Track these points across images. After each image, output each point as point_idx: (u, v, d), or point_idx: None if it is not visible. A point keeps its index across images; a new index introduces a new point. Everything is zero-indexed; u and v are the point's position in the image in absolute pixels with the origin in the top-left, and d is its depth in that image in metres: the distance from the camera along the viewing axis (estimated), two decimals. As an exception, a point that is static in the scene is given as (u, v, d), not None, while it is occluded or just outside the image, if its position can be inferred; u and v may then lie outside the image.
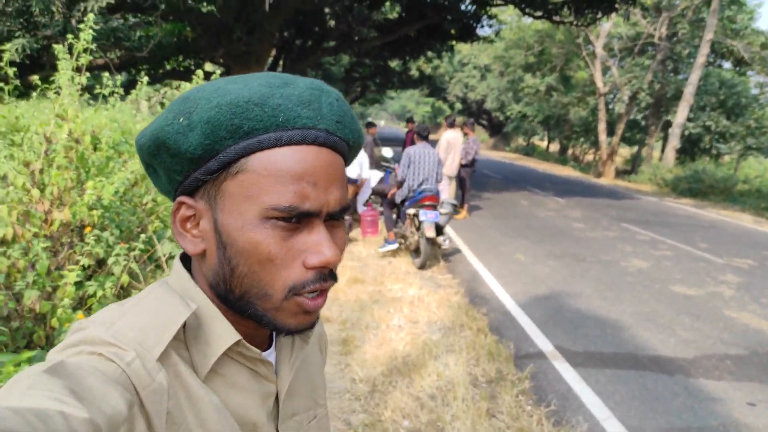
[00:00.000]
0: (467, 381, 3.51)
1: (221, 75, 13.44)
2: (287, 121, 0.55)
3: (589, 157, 31.56)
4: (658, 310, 5.16)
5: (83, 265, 3.59)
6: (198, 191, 0.58)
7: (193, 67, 14.96)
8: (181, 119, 0.55)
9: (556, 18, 14.87)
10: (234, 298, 0.58)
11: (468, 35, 15.75)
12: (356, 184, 8.27)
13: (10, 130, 4.95)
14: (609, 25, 22.51)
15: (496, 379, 3.62)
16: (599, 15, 14.31)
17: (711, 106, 20.74)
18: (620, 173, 23.76)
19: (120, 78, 5.03)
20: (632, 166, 24.99)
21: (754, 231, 10.61)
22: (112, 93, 5.17)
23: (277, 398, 0.66)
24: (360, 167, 8.05)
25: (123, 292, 3.81)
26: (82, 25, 4.14)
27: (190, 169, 0.57)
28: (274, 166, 0.54)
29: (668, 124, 22.13)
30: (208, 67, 17.14)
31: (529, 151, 36.83)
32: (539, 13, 14.32)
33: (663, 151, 21.66)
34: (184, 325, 0.57)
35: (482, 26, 15.94)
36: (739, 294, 5.89)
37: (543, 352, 4.11)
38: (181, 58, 14.19)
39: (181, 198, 0.59)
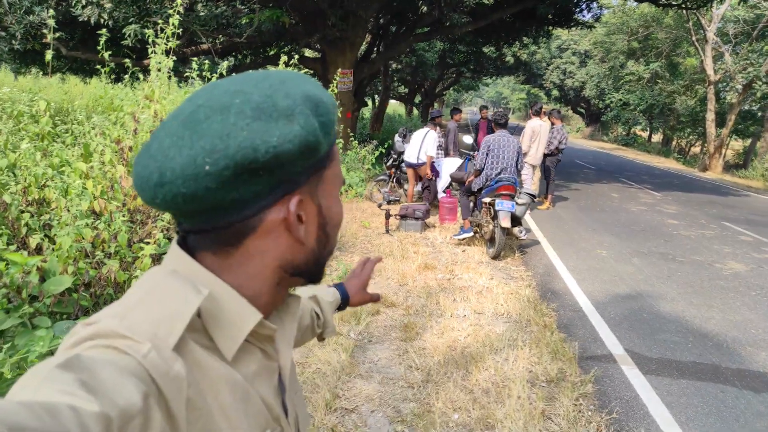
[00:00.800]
0: (525, 379, 3.38)
1: (317, 60, 13.72)
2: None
3: (696, 149, 29.46)
4: (752, 320, 4.72)
5: (167, 239, 3.79)
6: (300, 187, 0.60)
7: (293, 53, 15.38)
8: (311, 118, 0.57)
9: (664, 1, 13.89)
10: (319, 266, 0.67)
11: (566, 20, 15.06)
12: (414, 167, 8.26)
13: (105, 110, 5.31)
14: (725, 8, 20.72)
15: (557, 379, 3.46)
16: (711, -3, 13.21)
17: (841, 97, 18.65)
18: (729, 168, 22.00)
19: (225, 63, 5.22)
20: (744, 161, 23.05)
21: None
22: (201, 77, 5.40)
23: (280, 374, 0.69)
24: (418, 151, 8.03)
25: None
26: (171, 11, 4.33)
27: (313, 167, 0.61)
28: (335, 150, 0.66)
29: (788, 116, 20.15)
30: (308, 53, 17.54)
31: (629, 141, 34.90)
32: (646, -4, 13.43)
33: (780, 145, 19.78)
34: (198, 313, 0.58)
35: (581, 10, 15.18)
36: None
37: (612, 355, 3.88)
38: (281, 44, 14.58)
39: (298, 195, 0.60)
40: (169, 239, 3.82)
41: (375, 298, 1.21)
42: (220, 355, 0.58)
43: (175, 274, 0.58)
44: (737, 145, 28.53)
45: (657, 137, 34.83)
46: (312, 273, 0.66)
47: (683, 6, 13.82)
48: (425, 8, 13.70)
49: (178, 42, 4.56)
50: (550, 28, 16.53)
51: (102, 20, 7.75)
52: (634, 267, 6.17)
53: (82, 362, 0.45)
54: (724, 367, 3.81)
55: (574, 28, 15.32)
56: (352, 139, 11.99)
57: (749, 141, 24.66)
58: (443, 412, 3.02)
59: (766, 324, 4.64)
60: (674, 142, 31.26)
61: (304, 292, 1.11)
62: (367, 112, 27.81)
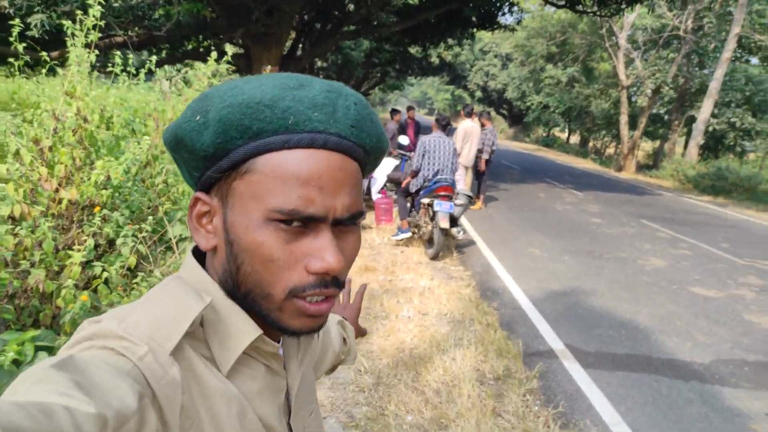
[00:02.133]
0: (474, 377, 3.43)
1: (240, 56, 13.37)
2: (297, 123, 0.54)
3: (610, 150, 31.09)
4: (676, 312, 5.02)
5: (94, 245, 3.55)
6: (213, 188, 0.59)
7: (213, 48, 14.89)
8: (198, 117, 0.56)
9: (579, 8, 14.56)
10: (240, 296, 0.58)
11: (489, 23, 15.48)
12: None
13: (20, 106, 4.92)
14: (634, 17, 21.99)
15: (504, 376, 3.53)
16: (624, 6, 13.96)
17: (736, 103, 20.24)
18: (641, 168, 23.37)
19: (154, 58, 4.96)
20: (654, 161, 24.56)
21: (777, 232, 10.34)
22: (125, 72, 5.11)
23: (287, 394, 0.68)
24: None
25: (130, 274, 3.78)
26: (90, 1, 4.07)
27: (204, 167, 0.58)
28: (281, 169, 0.54)
29: (692, 120, 21.66)
30: (228, 48, 17.07)
31: (549, 142, 36.38)
32: (562, 2, 14.02)
33: (686, 146, 21.24)
34: (202, 322, 0.57)
35: (504, 14, 15.66)
36: (761, 297, 5.72)
37: (553, 351, 4.01)
38: (201, 38, 14.11)
39: (198, 194, 0.60)
40: (96, 246, 3.61)
41: (364, 332, 1.18)
42: (219, 367, 0.58)
43: (180, 280, 0.59)
44: (647, 146, 30.38)
45: (575, 138, 36.54)
46: (245, 305, 0.58)
47: (597, 13, 14.53)
48: (352, 6, 13.70)
49: (99, 35, 4.30)
50: (474, 30, 16.96)
51: (3, 9, 7.19)
52: (565, 264, 6.41)
53: (76, 363, 0.44)
54: (655, 357, 4.02)
55: (496, 31, 15.78)
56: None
57: (658, 143, 26.31)
58: (396, 414, 3.01)
59: (689, 316, 4.94)
60: (591, 144, 32.88)
61: (332, 316, 1.08)
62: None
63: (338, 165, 0.56)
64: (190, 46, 14.67)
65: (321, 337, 0.91)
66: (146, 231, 3.63)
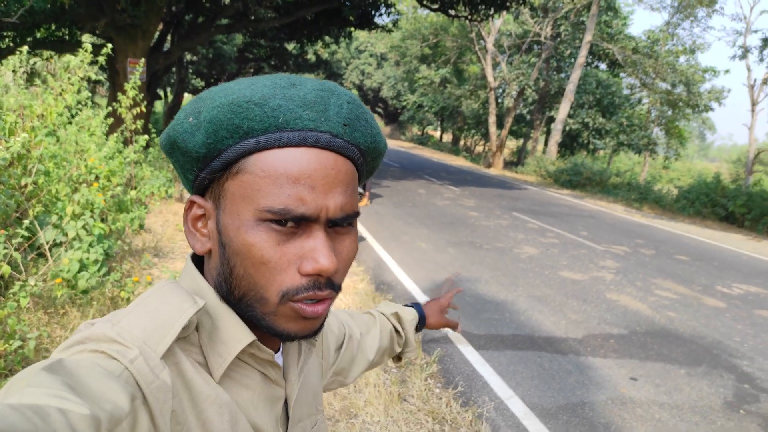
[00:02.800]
0: (378, 367, 3.56)
1: (104, 47, 12.45)
2: (287, 122, 0.53)
3: (480, 148, 32.97)
4: (550, 294, 5.52)
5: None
6: (207, 191, 0.59)
7: (67, 37, 13.70)
8: (191, 119, 0.56)
9: (452, 12, 15.30)
10: (234, 300, 0.57)
11: (366, 22, 15.80)
12: None
13: None
14: (500, 22, 23.55)
15: (406, 364, 3.69)
16: (492, 12, 14.90)
17: (589, 104, 22.42)
18: (508, 164, 25.07)
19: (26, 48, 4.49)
20: (518, 158, 26.48)
21: (626, 220, 11.63)
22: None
23: (285, 403, 0.66)
24: None
25: (3, 283, 3.46)
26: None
27: (198, 168, 0.57)
28: (271, 168, 0.53)
29: (551, 120, 23.65)
30: (86, 38, 15.81)
31: (424, 140, 37.78)
32: (435, 6, 14.65)
33: (546, 144, 23.11)
34: (197, 327, 0.57)
35: (380, 14, 16.06)
36: (618, 278, 6.45)
37: (448, 336, 4.25)
38: (53, 27, 12.92)
39: (193, 197, 0.60)
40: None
41: (453, 325, 1.16)
42: (211, 372, 0.57)
43: (175, 285, 0.57)
44: (512, 144, 32.59)
45: (447, 137, 38.27)
46: (239, 310, 0.57)
47: (468, 17, 15.37)
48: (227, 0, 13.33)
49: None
50: (352, 29, 17.21)
51: None
52: (450, 256, 6.77)
53: (67, 366, 0.44)
54: (536, 336, 4.41)
55: (373, 31, 16.15)
56: (154, 134, 11.17)
57: (521, 141, 28.35)
58: (307, 408, 3.05)
59: (561, 297, 5.46)
60: (462, 142, 34.64)
61: (386, 308, 1.07)
62: (159, 105, 26.13)
63: (330, 164, 0.54)
64: (39, 35, 13.36)
65: (328, 343, 0.88)
66: (22, 236, 3.36)
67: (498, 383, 3.56)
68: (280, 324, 0.56)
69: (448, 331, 4.36)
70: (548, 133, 24.22)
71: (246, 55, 25.63)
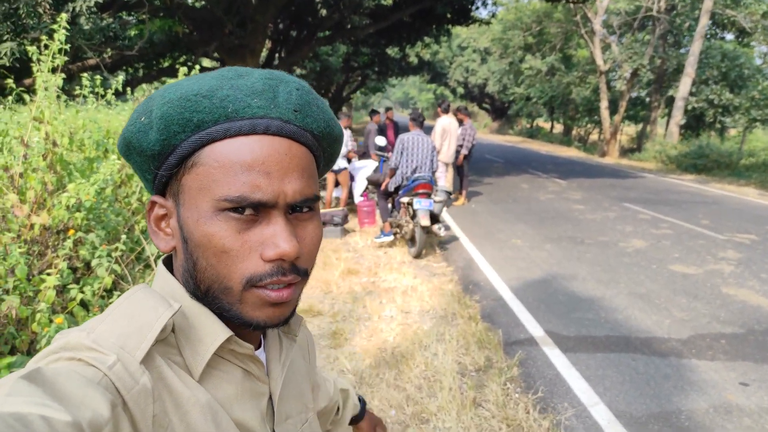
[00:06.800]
0: (455, 370, 3.47)
1: (215, 68, 13.35)
2: (236, 111, 0.54)
3: (594, 136, 31.30)
4: (655, 291, 5.09)
5: (70, 269, 3.57)
6: (167, 189, 0.60)
7: (189, 63, 14.87)
8: (143, 118, 0.57)
9: (552, -4, 14.66)
10: (201, 294, 0.58)
11: (463, 18, 15.56)
12: (335, 172, 8.28)
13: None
14: (607, 1, 22.17)
15: (485, 367, 3.58)
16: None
17: (714, 80, 20.45)
18: (625, 152, 23.54)
19: (121, 78, 4.99)
20: (637, 144, 24.76)
21: (758, 205, 10.47)
22: (94, 93, 5.13)
23: (270, 399, 0.66)
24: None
25: (108, 295, 3.80)
26: (55, 26, 4.10)
27: (154, 167, 0.58)
28: (225, 157, 0.54)
29: (671, 100, 21.85)
30: (206, 63, 17.05)
31: (533, 133, 36.56)
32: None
33: (667, 127, 21.42)
34: (174, 329, 0.57)
35: (477, 8, 15.76)
36: (738, 270, 5.81)
37: (533, 338, 4.06)
38: (176, 55, 14.09)
39: (154, 197, 0.61)
40: (73, 269, 3.63)
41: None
42: (191, 372, 0.57)
43: (148, 289, 0.58)
44: (630, 130, 30.59)
45: (558, 128, 36.73)
46: (207, 303, 0.58)
47: (570, 0, 14.64)
48: (325, 11, 13.73)
49: (65, 59, 4.32)
50: (449, 26, 17.04)
51: None
52: (546, 252, 6.48)
53: (45, 375, 0.44)
54: (633, 337, 4.08)
55: (472, 26, 15.86)
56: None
57: (640, 126, 26.51)
58: (380, 409, 3.05)
59: (667, 293, 5.02)
60: (574, 131, 33.08)
61: (340, 382, 1.05)
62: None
63: (284, 149, 0.55)
64: (165, 64, 14.65)
65: (309, 340, 0.87)
66: (121, 250, 3.66)
67: (583, 388, 3.34)
68: (248, 312, 0.56)
69: (533, 332, 4.17)
70: (669, 115, 22.41)
71: (351, 65, 26.30)
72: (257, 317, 0.57)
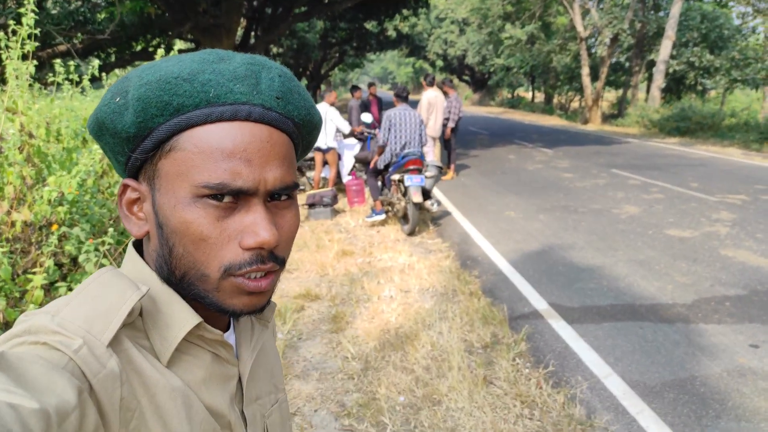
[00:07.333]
0: (462, 348, 3.40)
1: (191, 50, 13.03)
2: (218, 96, 0.53)
3: (575, 104, 31.26)
4: (654, 257, 5.06)
5: (57, 265, 3.42)
6: (140, 173, 0.58)
7: (163, 46, 14.45)
8: (118, 99, 0.55)
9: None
10: (176, 280, 0.56)
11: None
12: (323, 152, 8.11)
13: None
14: (586, -34, 21.95)
15: (492, 343, 3.51)
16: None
17: (694, 42, 20.43)
18: (607, 118, 23.54)
19: (96, 62, 4.75)
20: (618, 110, 24.76)
21: (744, 165, 10.52)
22: (69, 80, 4.90)
23: (240, 382, 0.66)
24: (325, 134, 7.90)
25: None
26: (22, 10, 3.86)
27: (129, 150, 0.56)
28: (205, 143, 0.52)
29: (652, 64, 21.82)
30: (179, 44, 16.61)
31: (515, 103, 36.45)
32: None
33: (648, 91, 21.40)
34: (141, 312, 0.55)
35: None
36: (734, 231, 5.80)
37: (538, 311, 4.00)
38: (149, 37, 13.70)
39: (126, 180, 0.59)
40: (59, 265, 3.48)
41: None
42: (158, 357, 0.56)
43: (115, 272, 0.56)
44: (611, 96, 30.60)
45: (540, 97, 36.64)
46: (182, 290, 0.57)
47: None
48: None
49: (36, 44, 4.09)
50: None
51: None
52: (541, 223, 6.42)
53: (8, 360, 0.42)
54: (638, 304, 4.04)
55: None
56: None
57: (621, 91, 26.49)
58: (388, 396, 2.97)
59: (667, 259, 4.98)
60: (555, 100, 33.02)
61: None
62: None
63: (265, 137, 0.54)
64: (138, 47, 14.24)
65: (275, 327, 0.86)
66: (108, 244, 3.50)
67: (594, 360, 3.29)
68: (225, 300, 0.56)
69: (537, 305, 4.10)
70: (650, 79, 22.37)
71: (329, 41, 25.90)
72: (234, 305, 0.56)
